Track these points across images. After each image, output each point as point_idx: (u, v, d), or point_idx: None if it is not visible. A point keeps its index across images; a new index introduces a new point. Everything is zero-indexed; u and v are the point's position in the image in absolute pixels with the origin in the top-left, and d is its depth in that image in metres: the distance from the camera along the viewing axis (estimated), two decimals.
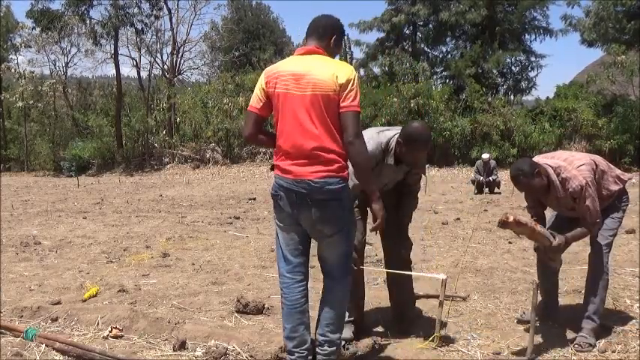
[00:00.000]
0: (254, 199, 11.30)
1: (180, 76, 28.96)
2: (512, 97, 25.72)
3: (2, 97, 26.91)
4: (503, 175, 12.98)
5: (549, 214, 3.39)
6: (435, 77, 26.05)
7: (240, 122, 23.10)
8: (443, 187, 13.82)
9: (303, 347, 2.59)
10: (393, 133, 3.08)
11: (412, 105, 20.95)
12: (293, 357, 2.59)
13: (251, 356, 2.94)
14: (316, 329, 2.67)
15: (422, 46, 27.20)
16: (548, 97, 24.06)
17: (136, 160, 24.82)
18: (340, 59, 2.74)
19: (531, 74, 25.85)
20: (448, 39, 27.03)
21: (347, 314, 3.20)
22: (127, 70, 61.53)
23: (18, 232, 7.29)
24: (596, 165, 3.10)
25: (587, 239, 3.24)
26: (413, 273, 3.47)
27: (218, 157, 23.74)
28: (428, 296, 3.90)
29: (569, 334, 3.21)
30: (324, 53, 2.59)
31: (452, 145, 21.34)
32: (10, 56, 30.03)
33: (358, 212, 3.09)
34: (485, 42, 24.27)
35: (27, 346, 3.04)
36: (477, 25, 25.08)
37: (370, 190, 2.62)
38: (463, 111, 22.20)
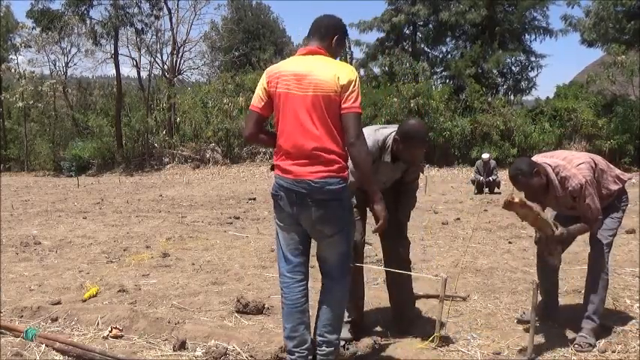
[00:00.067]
0: (254, 199, 11.30)
1: (180, 76, 28.98)
2: (512, 97, 25.73)
3: (2, 97, 26.91)
4: (503, 175, 12.97)
5: (549, 214, 3.38)
6: (435, 77, 26.07)
7: (240, 122, 23.10)
8: (443, 187, 13.81)
9: (304, 347, 2.59)
10: (390, 130, 3.09)
11: (412, 105, 20.96)
12: (293, 357, 2.59)
13: (251, 356, 2.94)
14: (315, 330, 2.67)
15: (422, 46, 27.21)
16: (548, 97, 24.09)
17: (136, 160, 24.82)
18: (340, 59, 2.74)
19: (531, 74, 25.91)
20: (448, 39, 27.05)
21: (347, 314, 3.20)
22: (127, 70, 61.65)
23: (18, 232, 7.29)
24: (596, 164, 3.11)
25: (587, 239, 3.24)
26: (412, 273, 3.47)
27: (218, 157, 23.74)
28: (428, 296, 3.90)
29: (569, 334, 3.21)
30: (326, 54, 2.59)
31: (452, 145, 21.35)
32: (10, 56, 30.07)
33: (357, 212, 3.09)
34: (485, 42, 24.27)
35: (27, 346, 3.04)
36: (476, 25, 25.08)
37: (372, 190, 2.62)
38: (463, 111, 22.20)
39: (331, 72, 2.47)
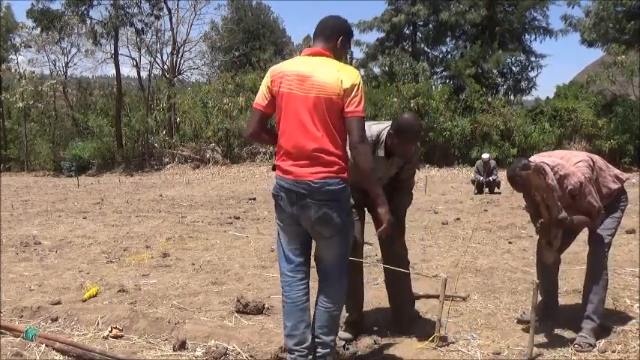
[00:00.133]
0: (254, 199, 11.30)
1: (180, 76, 28.98)
2: (512, 97, 25.75)
3: (2, 98, 26.91)
4: (503, 175, 12.95)
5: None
6: (435, 77, 26.09)
7: (240, 122, 23.11)
8: (443, 187, 13.81)
9: (304, 345, 2.58)
10: (383, 126, 3.09)
11: (412, 105, 20.97)
12: (293, 355, 2.59)
13: (251, 356, 2.94)
14: (311, 331, 2.67)
15: (422, 46, 27.23)
16: (548, 97, 24.12)
17: (136, 160, 24.82)
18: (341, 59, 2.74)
19: (531, 74, 25.94)
20: (448, 39, 27.07)
21: (347, 314, 3.21)
22: (127, 70, 61.67)
23: (18, 232, 7.29)
24: (594, 162, 3.11)
25: (586, 239, 3.24)
26: (412, 274, 3.46)
27: (218, 157, 23.74)
28: (428, 296, 3.90)
29: (569, 334, 3.21)
30: (331, 55, 2.59)
31: (452, 145, 21.36)
32: (10, 56, 30.07)
33: (355, 212, 3.09)
34: (485, 42, 24.29)
35: (27, 346, 3.04)
36: (476, 25, 25.10)
37: (375, 194, 2.61)
38: (463, 111, 22.22)
39: (334, 75, 2.48)
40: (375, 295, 3.93)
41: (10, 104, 27.57)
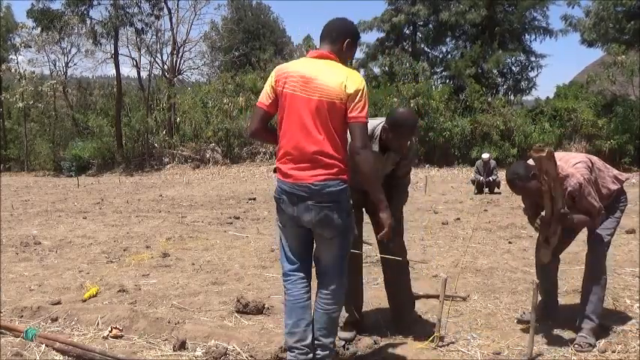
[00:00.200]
0: (254, 199, 11.30)
1: (180, 76, 28.97)
2: (512, 97, 25.74)
3: (2, 98, 26.91)
4: (503, 175, 12.96)
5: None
6: (435, 77, 26.09)
7: (240, 122, 23.13)
8: (443, 187, 13.81)
9: (304, 343, 2.58)
10: (378, 121, 3.09)
11: (412, 105, 20.96)
12: (293, 353, 2.58)
13: (251, 356, 2.94)
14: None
15: (422, 46, 27.23)
16: (548, 97, 24.11)
17: (136, 160, 24.82)
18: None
19: (531, 74, 25.94)
20: (448, 39, 27.08)
21: (347, 314, 3.21)
22: (127, 70, 61.70)
23: (18, 232, 7.29)
24: (592, 163, 3.11)
25: (585, 239, 3.24)
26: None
27: (218, 157, 23.73)
28: (428, 296, 3.90)
29: (569, 334, 3.21)
30: (336, 58, 2.60)
31: (452, 145, 21.36)
32: (10, 56, 30.06)
33: (354, 212, 3.08)
34: (485, 42, 24.29)
35: (27, 346, 3.04)
36: (476, 25, 25.10)
37: (378, 199, 2.62)
38: (463, 111, 22.22)
39: (339, 79, 2.48)
40: (375, 295, 3.93)
41: (10, 104, 27.56)
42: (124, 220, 8.40)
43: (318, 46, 2.72)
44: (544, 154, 2.71)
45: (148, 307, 3.80)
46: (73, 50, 29.25)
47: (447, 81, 25.51)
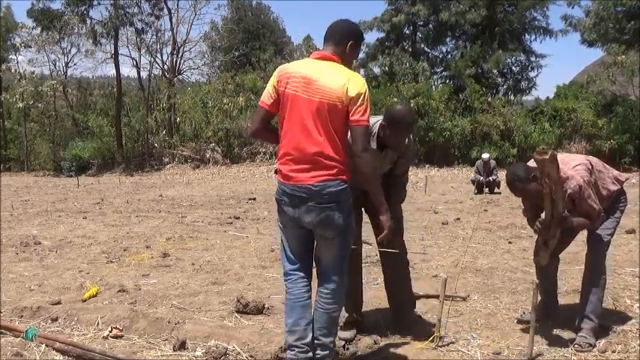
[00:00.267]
0: (254, 199, 11.30)
1: (180, 76, 28.98)
2: (512, 97, 25.74)
3: (2, 98, 26.91)
4: (503, 175, 12.96)
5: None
6: (435, 77, 26.08)
7: (240, 122, 23.13)
8: (443, 187, 13.82)
9: (304, 341, 2.58)
10: (375, 119, 3.09)
11: (412, 105, 20.96)
12: (293, 352, 2.59)
13: (251, 356, 2.94)
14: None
15: (422, 46, 27.23)
16: (548, 97, 24.12)
17: (136, 160, 24.82)
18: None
19: (531, 74, 25.93)
20: (448, 39, 27.07)
21: (347, 314, 3.21)
22: (127, 70, 61.69)
23: (18, 232, 7.29)
24: (592, 165, 3.11)
25: (585, 239, 3.24)
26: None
27: (218, 157, 23.73)
28: (428, 296, 3.90)
29: (569, 334, 3.21)
30: (339, 60, 2.60)
31: (452, 145, 21.36)
32: (10, 56, 30.07)
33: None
34: (485, 42, 24.29)
35: (27, 346, 3.04)
36: (476, 25, 25.09)
37: (379, 202, 2.64)
38: (463, 111, 22.22)
39: (341, 82, 2.48)
40: (375, 295, 3.93)
41: (10, 104, 27.56)
42: (124, 220, 8.40)
43: (320, 47, 2.72)
44: (547, 157, 2.70)
45: (148, 307, 3.80)
46: (73, 50, 29.32)
47: (447, 81, 25.51)
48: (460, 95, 23.42)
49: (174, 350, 2.99)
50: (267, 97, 2.64)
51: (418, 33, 27.24)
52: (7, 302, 3.88)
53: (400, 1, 25.77)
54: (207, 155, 23.78)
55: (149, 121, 25.17)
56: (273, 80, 2.63)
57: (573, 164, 3.03)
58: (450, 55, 26.77)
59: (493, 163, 12.57)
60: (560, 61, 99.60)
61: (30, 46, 28.50)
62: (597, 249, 3.15)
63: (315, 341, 2.62)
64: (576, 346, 3.02)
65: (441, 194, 11.95)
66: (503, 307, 3.75)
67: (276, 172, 2.65)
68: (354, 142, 2.49)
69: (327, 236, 2.58)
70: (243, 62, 30.10)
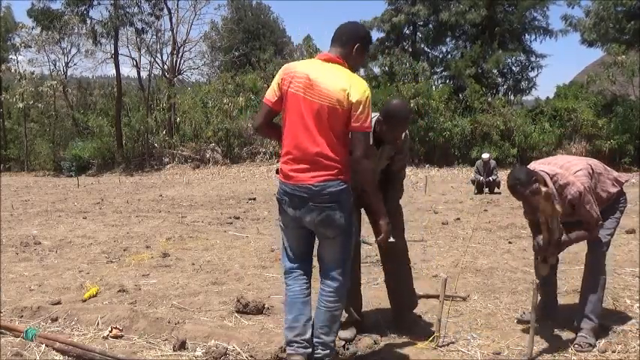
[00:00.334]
0: (254, 199, 11.30)
1: (180, 76, 28.97)
2: (512, 97, 25.72)
3: (2, 98, 26.90)
4: (503, 175, 12.97)
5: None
6: (434, 77, 26.08)
7: (240, 122, 23.13)
8: (443, 187, 13.82)
9: (304, 337, 2.61)
10: (372, 115, 3.09)
11: (412, 105, 20.96)
12: (292, 347, 2.60)
13: (251, 356, 2.94)
14: (312, 330, 2.67)
15: (422, 46, 27.22)
16: (548, 97, 24.10)
17: (136, 160, 24.82)
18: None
19: (531, 74, 25.91)
20: (448, 39, 27.06)
21: (347, 314, 3.21)
22: (127, 70, 61.68)
23: (18, 232, 7.29)
24: (593, 169, 3.11)
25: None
26: (408, 277, 3.45)
27: (218, 157, 23.73)
28: (428, 296, 3.90)
29: (569, 334, 3.21)
30: (344, 63, 2.60)
31: (452, 145, 21.35)
32: (10, 56, 30.06)
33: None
34: (485, 42, 24.28)
35: (27, 346, 3.04)
36: (476, 26, 25.09)
37: (377, 207, 2.68)
38: (463, 111, 22.21)
39: (342, 86, 2.48)
40: (375, 295, 3.93)
41: (10, 104, 27.56)
42: (124, 220, 8.40)
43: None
44: (541, 195, 2.80)
45: (148, 307, 3.80)
46: (73, 50, 29.29)
47: (447, 81, 25.50)
48: (460, 95, 23.41)
49: (174, 350, 2.99)
50: (271, 94, 2.65)
51: (418, 33, 27.25)
52: (7, 302, 3.88)
53: (400, 1, 25.76)
54: (207, 155, 23.78)
55: (149, 121, 25.16)
56: (277, 78, 2.64)
57: (574, 170, 3.02)
58: (450, 55, 26.78)
59: (493, 163, 12.57)
60: (560, 61, 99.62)
61: (30, 46, 28.51)
62: (597, 249, 3.16)
63: (316, 340, 2.63)
64: (576, 346, 3.02)
65: (441, 194, 11.95)
66: (503, 307, 3.75)
67: (277, 171, 2.66)
68: (354, 147, 2.51)
69: (328, 235, 2.59)
70: (243, 62, 30.10)
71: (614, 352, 2.98)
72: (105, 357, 2.85)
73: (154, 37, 27.00)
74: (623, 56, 20.29)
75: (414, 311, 3.50)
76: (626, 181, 3.32)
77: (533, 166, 3.14)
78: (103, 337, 3.17)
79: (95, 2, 25.38)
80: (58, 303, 3.83)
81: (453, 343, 3.12)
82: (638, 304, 3.74)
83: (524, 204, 3.23)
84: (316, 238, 2.70)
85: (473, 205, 9.87)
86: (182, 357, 2.94)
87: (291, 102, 2.56)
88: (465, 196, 11.61)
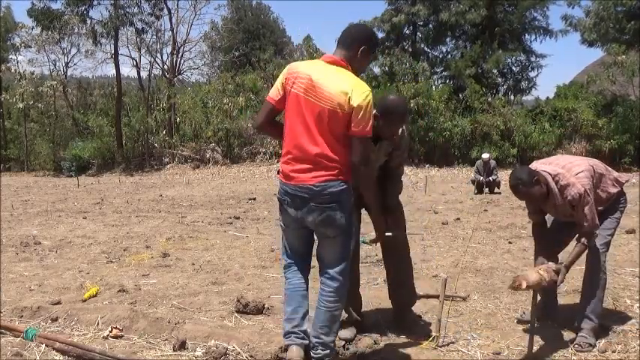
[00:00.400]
0: (254, 199, 11.30)
1: (180, 76, 28.97)
2: (512, 97, 25.72)
3: (2, 98, 26.90)
4: (503, 175, 12.98)
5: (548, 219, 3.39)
6: (434, 77, 26.07)
7: (240, 122, 23.13)
8: (443, 187, 13.82)
9: (301, 329, 2.66)
10: None
11: (412, 105, 20.96)
12: (290, 338, 2.65)
13: (251, 356, 2.94)
14: (312, 331, 2.68)
15: (422, 46, 27.21)
16: (548, 97, 24.10)
17: (136, 160, 24.82)
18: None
19: (531, 74, 25.89)
20: (448, 39, 27.05)
21: (347, 314, 3.21)
22: (127, 70, 61.65)
23: (18, 232, 7.29)
24: (594, 170, 3.11)
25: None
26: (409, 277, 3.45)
27: (218, 157, 23.72)
28: (428, 296, 3.90)
29: (569, 334, 3.21)
30: (348, 66, 2.59)
31: (452, 145, 21.35)
32: (10, 56, 30.06)
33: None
34: (485, 42, 24.28)
35: (27, 346, 3.04)
36: (476, 26, 25.08)
37: (375, 210, 2.75)
38: (463, 111, 22.21)
39: (345, 89, 2.48)
40: (375, 295, 3.93)
41: (10, 104, 27.55)
42: (124, 220, 8.40)
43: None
44: (524, 287, 2.84)
45: (148, 307, 3.80)
46: (73, 50, 29.27)
47: (447, 81, 25.49)
48: (460, 95, 23.41)
49: (174, 350, 2.99)
50: (275, 92, 2.66)
51: (418, 33, 27.24)
52: (7, 302, 3.88)
53: (400, 1, 25.75)
54: (207, 155, 23.77)
55: (149, 121, 25.16)
56: (282, 78, 2.64)
57: (576, 171, 3.02)
58: (450, 55, 26.77)
59: (493, 163, 12.58)
60: (560, 61, 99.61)
61: (30, 46, 28.48)
62: (597, 249, 3.16)
63: (316, 340, 2.63)
64: (576, 346, 3.03)
65: (441, 194, 11.95)
66: (503, 307, 3.76)
67: (278, 172, 2.67)
68: (353, 152, 2.51)
69: (328, 235, 2.61)
70: (243, 62, 30.09)
71: (614, 352, 2.99)
72: (105, 357, 2.85)
73: (154, 37, 27.04)
74: (623, 56, 20.29)
75: (415, 311, 3.50)
76: (627, 181, 3.32)
77: (535, 165, 3.14)
78: (103, 337, 3.17)
79: (95, 2, 25.39)
80: (58, 303, 3.83)
81: (453, 343, 3.12)
82: (638, 304, 3.74)
83: (528, 204, 3.23)
84: (316, 238, 2.72)
85: (473, 205, 9.87)
86: (182, 357, 2.94)
87: (292, 102, 2.56)
88: (465, 196, 11.61)
